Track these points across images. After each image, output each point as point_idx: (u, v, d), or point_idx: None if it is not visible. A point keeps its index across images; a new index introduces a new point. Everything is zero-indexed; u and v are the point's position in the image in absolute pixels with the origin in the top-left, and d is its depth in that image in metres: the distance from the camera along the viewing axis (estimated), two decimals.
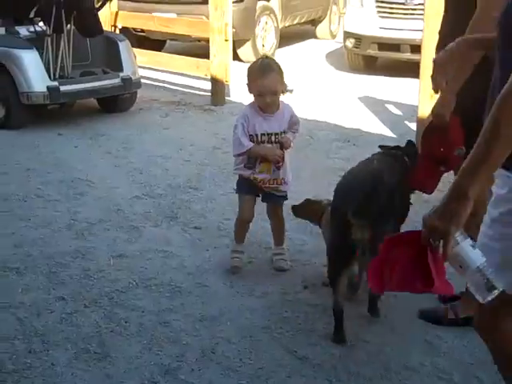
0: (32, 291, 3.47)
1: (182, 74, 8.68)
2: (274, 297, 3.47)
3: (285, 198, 3.76)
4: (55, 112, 6.88)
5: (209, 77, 7.67)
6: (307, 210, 3.70)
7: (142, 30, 9.71)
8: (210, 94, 7.69)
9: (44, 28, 6.57)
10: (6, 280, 3.58)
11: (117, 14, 8.81)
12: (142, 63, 8.03)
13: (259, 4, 10.17)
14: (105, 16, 8.16)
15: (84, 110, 7.18)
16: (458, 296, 3.07)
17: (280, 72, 3.56)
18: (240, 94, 7.86)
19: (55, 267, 3.73)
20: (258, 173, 3.60)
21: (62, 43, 6.54)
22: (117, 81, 6.82)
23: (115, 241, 4.11)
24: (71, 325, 3.17)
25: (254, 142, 3.55)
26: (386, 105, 7.77)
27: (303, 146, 5.76)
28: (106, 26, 8.11)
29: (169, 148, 6.01)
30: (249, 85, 3.58)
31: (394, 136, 6.52)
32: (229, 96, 7.78)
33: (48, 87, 6.29)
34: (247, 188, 3.69)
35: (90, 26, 6.62)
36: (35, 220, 4.39)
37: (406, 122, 6.93)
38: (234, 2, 8.19)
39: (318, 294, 3.47)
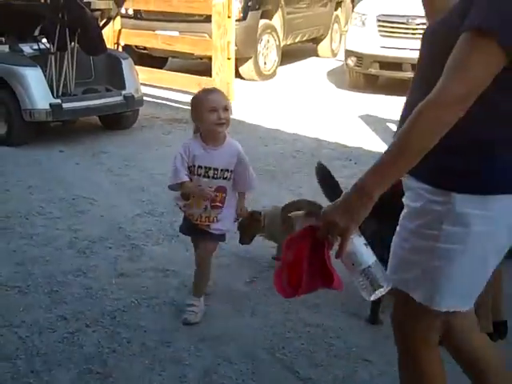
0: (34, 310, 3.46)
1: (184, 92, 8.71)
2: (276, 316, 3.46)
3: (220, 239, 3.47)
4: (57, 129, 6.91)
5: None
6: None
7: (145, 48, 9.77)
8: None
9: (48, 46, 6.60)
10: (7, 299, 3.57)
11: (120, 31, 8.87)
12: (145, 81, 8.08)
13: (261, 22, 10.23)
14: (108, 34, 8.21)
15: (86, 128, 7.20)
16: None
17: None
18: (242, 111, 7.90)
19: (57, 286, 3.72)
20: (187, 207, 3.37)
21: (65, 61, 6.57)
22: (119, 98, 6.85)
23: (117, 259, 4.11)
24: (73, 344, 3.15)
25: (190, 173, 3.29)
26: (388, 123, 7.79)
27: (305, 164, 5.76)
28: (109, 43, 8.15)
29: (170, 166, 6.00)
30: (196, 111, 3.27)
31: None
32: (231, 114, 7.79)
33: (51, 104, 6.32)
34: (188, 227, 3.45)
35: (93, 44, 6.65)
36: (37, 238, 4.39)
37: None
38: (236, 21, 8.24)
39: (320, 314, 3.46)
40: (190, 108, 3.33)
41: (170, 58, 10.67)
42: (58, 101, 6.39)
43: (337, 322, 3.40)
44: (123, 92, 6.87)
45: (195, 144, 3.32)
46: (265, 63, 10.39)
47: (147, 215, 4.81)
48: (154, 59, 9.93)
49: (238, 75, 9.22)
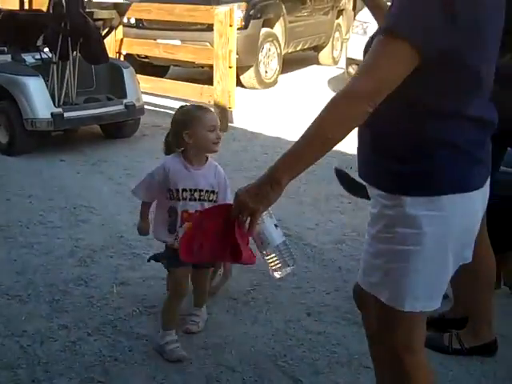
0: (35, 319, 3.46)
1: (185, 100, 8.72)
2: (278, 324, 3.45)
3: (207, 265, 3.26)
4: (59, 138, 6.92)
5: (212, 103, 7.70)
6: None
7: (146, 56, 9.79)
8: None
9: (50, 55, 6.61)
10: (9, 308, 3.57)
11: (122, 40, 8.89)
12: (146, 89, 8.09)
13: (263, 31, 10.26)
14: (110, 42, 8.22)
15: (87, 137, 7.21)
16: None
17: None
18: (243, 119, 7.91)
19: (58, 295, 3.71)
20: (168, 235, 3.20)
21: (67, 70, 6.58)
22: (120, 107, 6.86)
23: (118, 268, 4.11)
24: (75, 353, 3.15)
25: (173, 197, 3.11)
26: None
27: (305, 172, 5.74)
28: (111, 52, 8.17)
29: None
30: (192, 128, 3.07)
31: None
32: (232, 122, 7.82)
33: (52, 114, 6.32)
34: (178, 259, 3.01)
35: (95, 53, 6.66)
36: (38, 247, 4.39)
37: None
38: (237, 29, 8.26)
39: (322, 322, 3.46)
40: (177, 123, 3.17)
41: (171, 67, 10.69)
42: (60, 110, 6.39)
43: (339, 330, 3.40)
44: (124, 101, 6.87)
45: (176, 165, 3.12)
46: (266, 71, 10.41)
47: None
48: (155, 68, 9.95)
49: (239, 83, 9.23)
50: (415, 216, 1.90)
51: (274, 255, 1.97)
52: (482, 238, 2.71)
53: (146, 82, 8.23)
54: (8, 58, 6.77)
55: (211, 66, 8.03)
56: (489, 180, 2.04)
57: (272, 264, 1.98)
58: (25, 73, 6.49)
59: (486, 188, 2.04)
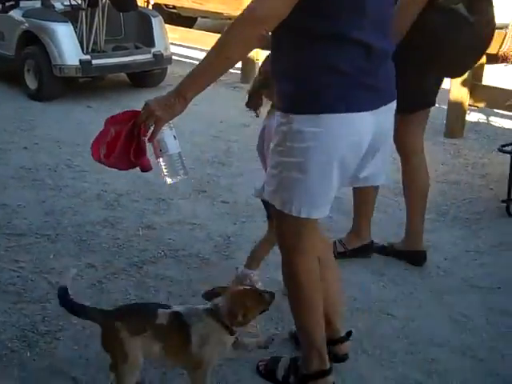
0: (63, 258, 3.53)
1: None
2: None
3: None
4: (86, 85, 6.95)
5: None
6: None
7: (174, 7, 9.74)
8: (239, 71, 7.69)
9: (79, 2, 6.61)
10: (38, 246, 3.64)
11: None
12: (174, 40, 8.06)
13: None
14: None
15: (114, 84, 7.23)
16: None
17: None
18: None
19: (85, 235, 3.78)
20: None
21: (96, 17, 6.59)
22: (148, 56, 6.86)
23: (143, 212, 4.16)
24: (101, 291, 3.22)
25: None
26: None
27: None
28: (140, 1, 8.13)
29: (198, 124, 6.04)
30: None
31: None
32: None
33: (80, 60, 6.35)
34: None
35: (124, 1, 6.64)
36: (65, 190, 4.46)
37: (437, 105, 6.86)
38: None
39: (345, 270, 3.48)
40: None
41: (198, 18, 10.62)
42: (88, 57, 6.42)
43: (360, 278, 3.43)
44: (152, 50, 6.87)
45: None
46: None
47: None
48: (182, 19, 9.91)
49: None
50: (301, 131, 2.15)
51: (168, 163, 2.22)
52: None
53: (173, 33, 8.19)
54: (38, 3, 6.78)
55: None
56: (392, 104, 2.29)
57: (165, 170, 2.23)
58: (54, 19, 6.51)
59: (384, 112, 2.24)
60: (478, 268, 3.59)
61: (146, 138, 2.17)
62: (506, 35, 5.36)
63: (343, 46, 2.10)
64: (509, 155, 4.30)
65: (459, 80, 5.72)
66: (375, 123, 2.21)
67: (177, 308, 2.40)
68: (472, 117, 6.22)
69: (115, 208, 4.21)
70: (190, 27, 9.96)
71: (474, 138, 5.88)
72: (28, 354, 2.72)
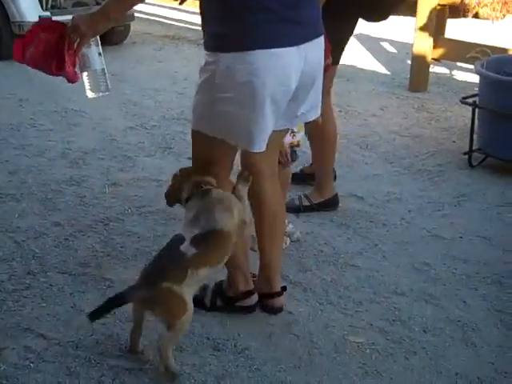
0: (28, 216, 3.51)
1: (176, 9, 8.59)
2: None
3: None
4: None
5: None
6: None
7: None
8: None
9: None
10: (2, 206, 3.61)
11: None
12: None
13: None
14: None
15: None
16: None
17: None
18: None
19: (50, 194, 3.76)
20: None
21: None
22: None
23: (109, 170, 4.14)
24: (68, 248, 3.22)
25: None
26: (381, 42, 7.73)
27: None
28: None
29: (162, 81, 6.00)
30: None
31: (388, 73, 6.52)
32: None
33: (40, 17, 6.18)
34: None
35: None
36: (29, 149, 4.41)
37: (401, 60, 6.91)
38: None
39: (311, 224, 3.54)
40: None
41: None
42: (48, 13, 6.27)
43: (326, 231, 3.48)
44: None
45: None
46: None
47: (139, 128, 4.83)
48: None
49: None
50: (231, 68, 2.24)
51: (91, 78, 2.39)
52: (326, 102, 3.28)
53: None
54: None
55: None
56: (319, 39, 2.38)
57: (88, 84, 2.40)
58: None
59: (311, 48, 2.33)
60: (440, 219, 3.65)
61: (70, 52, 2.34)
62: None
63: None
64: (471, 107, 4.36)
65: (422, 34, 5.75)
66: (303, 59, 2.31)
67: (191, 232, 2.35)
68: (435, 70, 6.26)
69: (80, 166, 4.18)
70: None
71: (437, 91, 5.93)
72: None
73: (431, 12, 5.70)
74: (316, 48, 2.39)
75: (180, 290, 2.29)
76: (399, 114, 5.34)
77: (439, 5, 5.69)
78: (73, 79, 2.39)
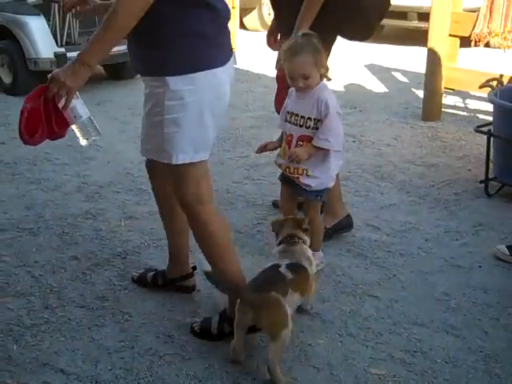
0: (46, 251, 3.52)
1: None
2: None
3: (315, 195, 3.24)
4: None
5: None
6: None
7: None
8: None
9: None
10: (20, 240, 3.63)
11: None
12: None
13: None
14: None
15: (91, 77, 7.15)
16: None
17: (315, 53, 3.10)
18: (246, 61, 7.86)
19: (67, 228, 3.78)
20: (277, 156, 3.34)
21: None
22: (124, 48, 6.68)
23: (125, 203, 4.16)
24: (85, 282, 3.22)
25: (285, 119, 3.28)
26: (393, 72, 7.77)
27: None
28: None
29: None
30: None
31: (401, 103, 6.54)
32: (235, 64, 7.73)
33: (55, 53, 6.32)
34: (280, 175, 3.40)
35: None
36: (46, 183, 4.44)
37: (413, 90, 6.94)
38: None
39: (328, 255, 3.52)
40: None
41: None
42: (63, 50, 6.38)
43: (343, 262, 3.46)
44: None
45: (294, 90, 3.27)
46: (269, 14, 10.29)
47: None
48: None
49: (242, 26, 9.17)
50: (178, 91, 2.46)
51: (81, 127, 2.48)
52: None
53: None
54: None
55: None
56: (231, 60, 2.62)
57: (80, 134, 2.51)
58: (26, 12, 6.45)
59: (230, 64, 2.61)
60: (458, 248, 3.63)
61: (64, 109, 2.41)
62: (477, 18, 5.39)
63: (203, 12, 2.46)
64: (485, 136, 4.35)
65: (434, 63, 5.77)
66: (229, 75, 2.61)
67: (283, 262, 2.76)
68: (448, 100, 6.27)
69: (96, 200, 4.20)
70: None
71: (450, 120, 5.94)
72: (14, 348, 2.71)
73: (443, 41, 5.73)
74: (232, 67, 2.68)
75: (285, 302, 2.55)
76: (413, 144, 5.35)
77: (450, 35, 5.72)
78: (64, 135, 2.50)
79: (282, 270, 2.70)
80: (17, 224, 3.81)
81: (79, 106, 2.46)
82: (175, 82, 2.46)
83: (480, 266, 3.43)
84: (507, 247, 3.46)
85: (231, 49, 2.67)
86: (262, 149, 3.38)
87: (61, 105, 2.39)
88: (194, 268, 3.14)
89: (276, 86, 3.84)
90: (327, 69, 3.22)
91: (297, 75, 3.13)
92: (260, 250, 3.58)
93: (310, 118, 3.16)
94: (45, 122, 2.40)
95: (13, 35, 6.37)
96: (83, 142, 2.54)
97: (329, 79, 3.31)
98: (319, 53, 3.11)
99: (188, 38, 2.45)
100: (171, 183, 2.71)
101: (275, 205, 4.06)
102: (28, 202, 4.12)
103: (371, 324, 2.92)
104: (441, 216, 4.02)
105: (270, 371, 2.49)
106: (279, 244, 2.94)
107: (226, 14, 2.57)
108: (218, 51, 2.54)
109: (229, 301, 2.78)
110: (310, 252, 2.90)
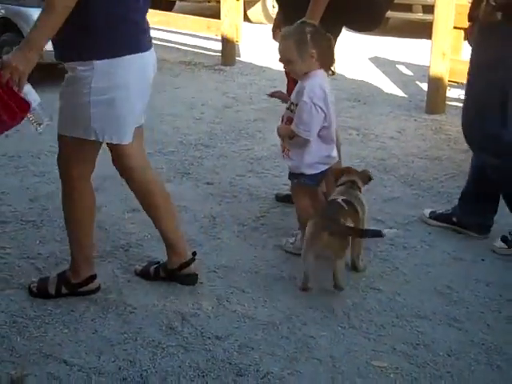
0: (49, 243, 3.53)
1: (192, 35, 8.67)
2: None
3: (293, 178, 3.41)
4: (65, 71, 6.89)
5: (219, 37, 7.66)
6: None
7: None
8: (220, 54, 7.68)
9: None
10: (23, 232, 3.64)
11: None
12: (153, 23, 7.89)
13: None
14: None
15: None
16: None
17: (299, 41, 3.18)
18: (250, 54, 7.86)
19: None
20: None
21: None
22: None
23: (128, 196, 4.12)
24: None
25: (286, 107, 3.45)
26: (397, 65, 7.76)
27: None
28: None
29: (180, 107, 6.04)
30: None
31: (405, 96, 6.53)
32: (239, 56, 7.78)
33: None
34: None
35: None
36: (49, 176, 4.44)
37: (417, 83, 6.93)
38: None
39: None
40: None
41: (177, 1, 10.57)
42: None
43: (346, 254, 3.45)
44: None
45: None
46: (273, 6, 10.27)
47: (157, 154, 4.85)
48: (161, 2, 9.84)
49: (246, 18, 9.14)
50: (106, 73, 2.61)
51: (35, 113, 2.55)
52: None
53: (152, 16, 8.09)
54: None
55: (218, 1, 7.95)
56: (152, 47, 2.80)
57: (33, 121, 2.59)
58: (30, 4, 6.43)
59: (153, 51, 2.80)
60: (461, 241, 3.63)
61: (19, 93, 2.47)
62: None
63: (130, 2, 2.63)
64: None
65: (438, 56, 5.76)
66: (152, 61, 2.80)
67: (339, 198, 3.19)
68: (452, 93, 6.25)
69: (100, 192, 4.16)
70: (169, 11, 9.91)
71: (454, 113, 5.90)
72: (18, 339, 2.72)
73: (447, 34, 5.72)
74: (154, 53, 2.85)
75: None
76: (417, 137, 5.34)
77: (455, 27, 5.70)
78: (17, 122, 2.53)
79: (340, 202, 3.13)
80: (20, 216, 3.82)
81: (30, 91, 2.51)
82: (102, 65, 2.60)
83: (483, 260, 3.43)
84: (502, 240, 3.46)
85: (149, 35, 2.84)
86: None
87: (16, 89, 2.46)
88: (194, 253, 3.19)
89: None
90: (331, 61, 3.28)
91: (282, 59, 3.34)
92: (263, 242, 3.59)
93: (292, 103, 3.33)
94: (2, 109, 2.45)
95: (17, 28, 6.36)
96: (38, 128, 2.64)
97: (332, 73, 3.34)
98: (303, 41, 3.19)
99: (116, 23, 2.60)
100: (61, 153, 2.98)
101: (278, 198, 4.07)
102: (32, 195, 4.13)
103: (374, 317, 2.92)
104: (444, 209, 4.01)
105: (337, 279, 3.03)
106: (337, 186, 3.32)
107: (146, 3, 2.77)
108: (144, 37, 2.74)
109: (70, 263, 3.01)
110: (364, 199, 3.29)
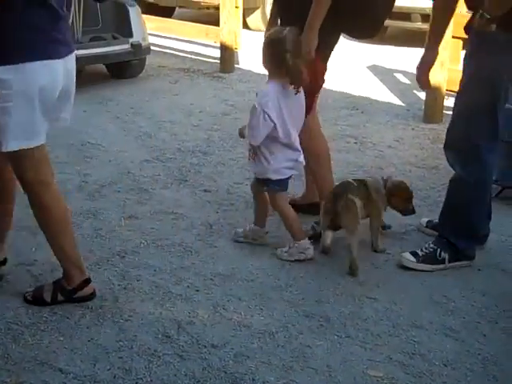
0: (45, 249, 3.48)
1: (191, 42, 8.68)
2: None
3: (260, 182, 3.50)
4: None
5: (218, 44, 7.66)
6: None
7: None
8: (218, 61, 7.69)
9: None
10: (19, 239, 3.62)
11: None
12: (152, 30, 8.02)
13: None
14: None
15: (93, 76, 7.19)
16: None
17: (267, 46, 3.33)
18: (249, 61, 7.86)
19: None
20: None
21: (72, 8, 6.51)
22: (126, 46, 6.82)
23: (126, 202, 4.16)
24: None
25: None
26: (395, 74, 7.76)
27: None
28: None
29: (178, 114, 6.04)
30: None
31: (403, 104, 6.53)
32: (238, 63, 7.78)
33: None
34: None
35: None
36: None
37: (415, 91, 6.92)
38: None
39: (327, 256, 3.51)
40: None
41: (177, 8, 10.58)
42: None
43: (342, 264, 3.45)
44: (130, 40, 6.83)
45: None
46: None
47: (155, 161, 4.85)
48: (161, 9, 9.85)
49: (245, 26, 9.15)
50: (7, 80, 2.60)
51: None
52: (314, 118, 3.78)
53: (151, 23, 8.15)
54: None
55: (217, 8, 7.96)
56: (72, 55, 2.85)
57: None
58: None
59: (70, 61, 2.83)
60: None
61: None
62: None
63: (39, 7, 2.62)
64: None
65: (436, 65, 5.75)
66: (64, 70, 2.78)
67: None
68: (450, 102, 6.25)
69: (97, 199, 4.20)
70: (169, 17, 9.92)
71: None
72: (13, 347, 2.71)
73: (445, 43, 5.72)
74: (72, 62, 2.87)
75: (358, 203, 3.35)
76: (414, 146, 5.34)
77: (453, 37, 5.70)
78: None
79: (351, 181, 3.45)
80: (16, 222, 3.78)
81: None
82: (3, 72, 2.60)
83: (479, 270, 3.42)
84: (411, 253, 3.45)
85: (72, 45, 2.89)
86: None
87: None
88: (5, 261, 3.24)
89: None
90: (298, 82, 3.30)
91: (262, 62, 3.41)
92: (260, 250, 3.58)
93: None
94: None
95: None
96: None
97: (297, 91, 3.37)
98: (271, 47, 3.31)
99: (22, 30, 2.61)
100: (12, 168, 2.93)
101: None
102: (27, 201, 4.09)
103: (370, 326, 2.92)
104: None
105: (352, 253, 3.29)
106: None
107: (63, 14, 2.76)
108: (54, 45, 2.71)
109: (63, 271, 3.02)
110: (382, 189, 3.56)
